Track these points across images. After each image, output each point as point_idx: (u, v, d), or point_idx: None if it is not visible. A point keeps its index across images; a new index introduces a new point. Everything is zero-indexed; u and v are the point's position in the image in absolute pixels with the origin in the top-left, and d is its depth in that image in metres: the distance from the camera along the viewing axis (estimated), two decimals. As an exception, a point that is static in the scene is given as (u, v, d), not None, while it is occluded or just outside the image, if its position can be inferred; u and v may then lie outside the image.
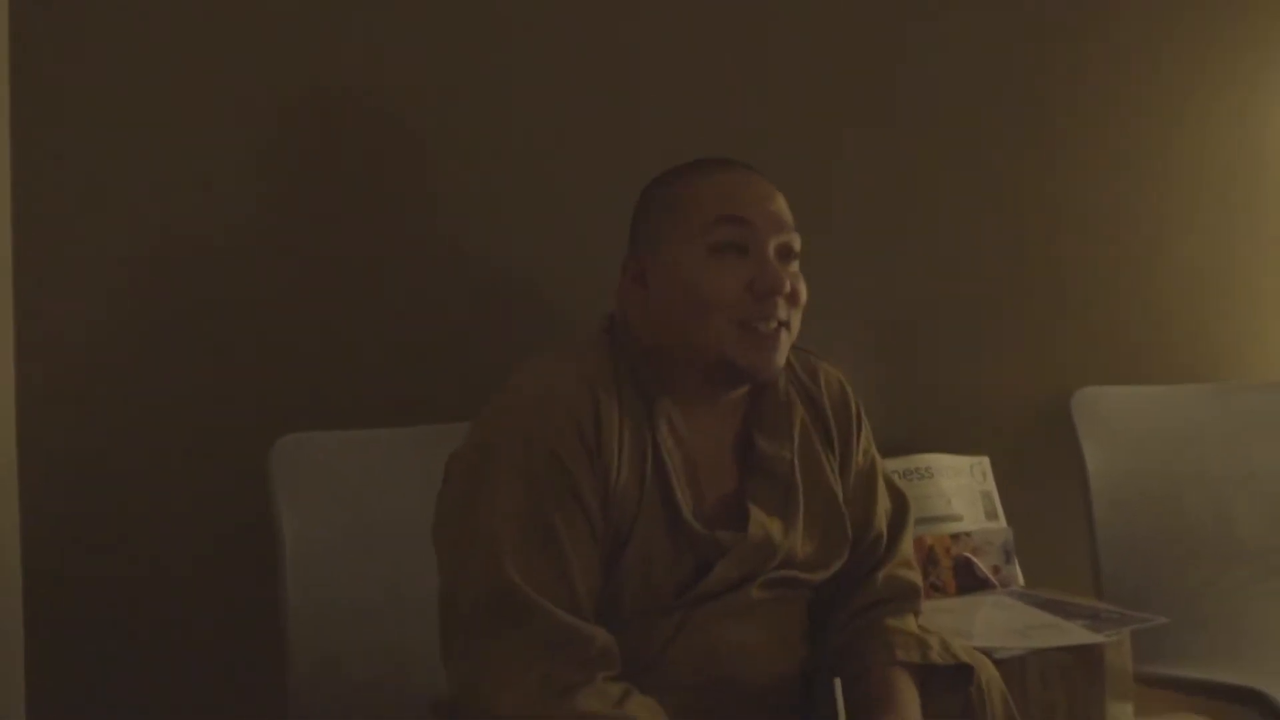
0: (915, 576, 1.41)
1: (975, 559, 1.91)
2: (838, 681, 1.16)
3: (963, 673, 1.30)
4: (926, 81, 2.08)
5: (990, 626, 1.68)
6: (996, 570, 1.92)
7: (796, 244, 1.28)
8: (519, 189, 1.89)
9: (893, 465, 1.95)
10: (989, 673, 1.34)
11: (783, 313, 1.24)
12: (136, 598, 1.70)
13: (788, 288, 1.24)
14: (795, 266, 1.28)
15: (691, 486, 1.27)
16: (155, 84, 1.72)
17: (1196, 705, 1.79)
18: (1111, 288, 2.18)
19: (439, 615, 1.21)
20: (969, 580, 1.90)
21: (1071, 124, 2.16)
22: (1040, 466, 2.07)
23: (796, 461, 1.32)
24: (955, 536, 1.92)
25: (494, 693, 1.13)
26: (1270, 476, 2.04)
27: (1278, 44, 2.26)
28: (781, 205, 1.28)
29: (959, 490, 1.98)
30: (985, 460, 2.02)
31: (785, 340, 1.26)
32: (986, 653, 1.46)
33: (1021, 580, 1.94)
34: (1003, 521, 1.97)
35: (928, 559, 1.89)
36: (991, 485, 2.01)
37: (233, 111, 1.75)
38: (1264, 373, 2.23)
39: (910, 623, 1.35)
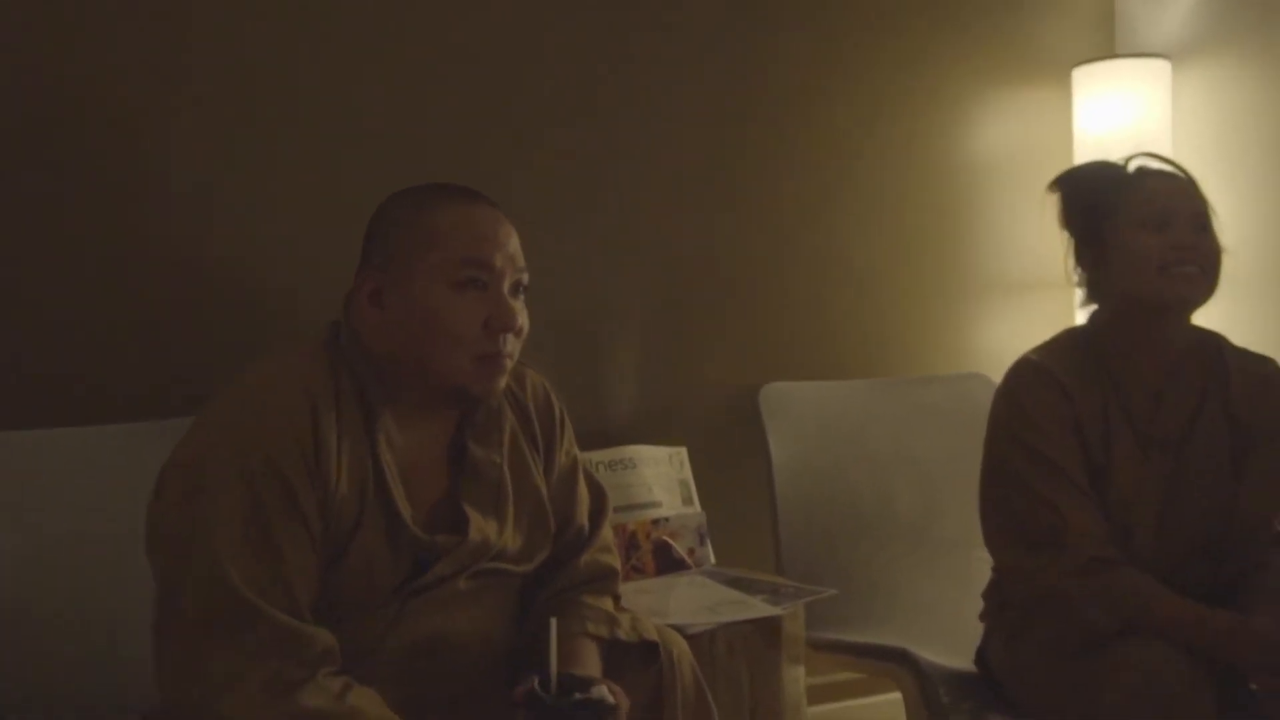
0: (613, 560, 1.54)
1: (673, 542, 2.08)
2: (554, 621, 1.27)
3: (652, 649, 1.43)
4: (627, 82, 2.22)
5: (684, 604, 1.84)
6: (692, 552, 2.10)
7: (526, 279, 1.37)
8: (226, 182, 1.88)
9: (600, 457, 2.08)
10: (679, 647, 1.48)
11: (510, 346, 1.34)
12: None
13: (518, 324, 1.34)
14: (522, 300, 1.37)
15: (408, 493, 1.33)
16: None
17: (858, 665, 2.02)
18: (794, 290, 2.40)
19: (154, 626, 1.21)
20: (667, 562, 2.07)
21: (762, 136, 2.35)
22: (732, 455, 2.27)
23: (505, 465, 1.42)
24: (655, 521, 2.07)
25: (215, 697, 1.15)
26: (926, 460, 2.31)
27: (946, 78, 2.55)
28: (517, 244, 1.36)
29: (659, 478, 2.14)
30: (683, 450, 2.20)
31: (508, 367, 1.36)
32: (680, 629, 1.62)
33: (713, 559, 2.13)
34: (698, 506, 2.15)
35: (630, 543, 2.04)
36: (688, 473, 2.18)
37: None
38: (920, 368, 2.53)
39: (607, 602, 1.48)
